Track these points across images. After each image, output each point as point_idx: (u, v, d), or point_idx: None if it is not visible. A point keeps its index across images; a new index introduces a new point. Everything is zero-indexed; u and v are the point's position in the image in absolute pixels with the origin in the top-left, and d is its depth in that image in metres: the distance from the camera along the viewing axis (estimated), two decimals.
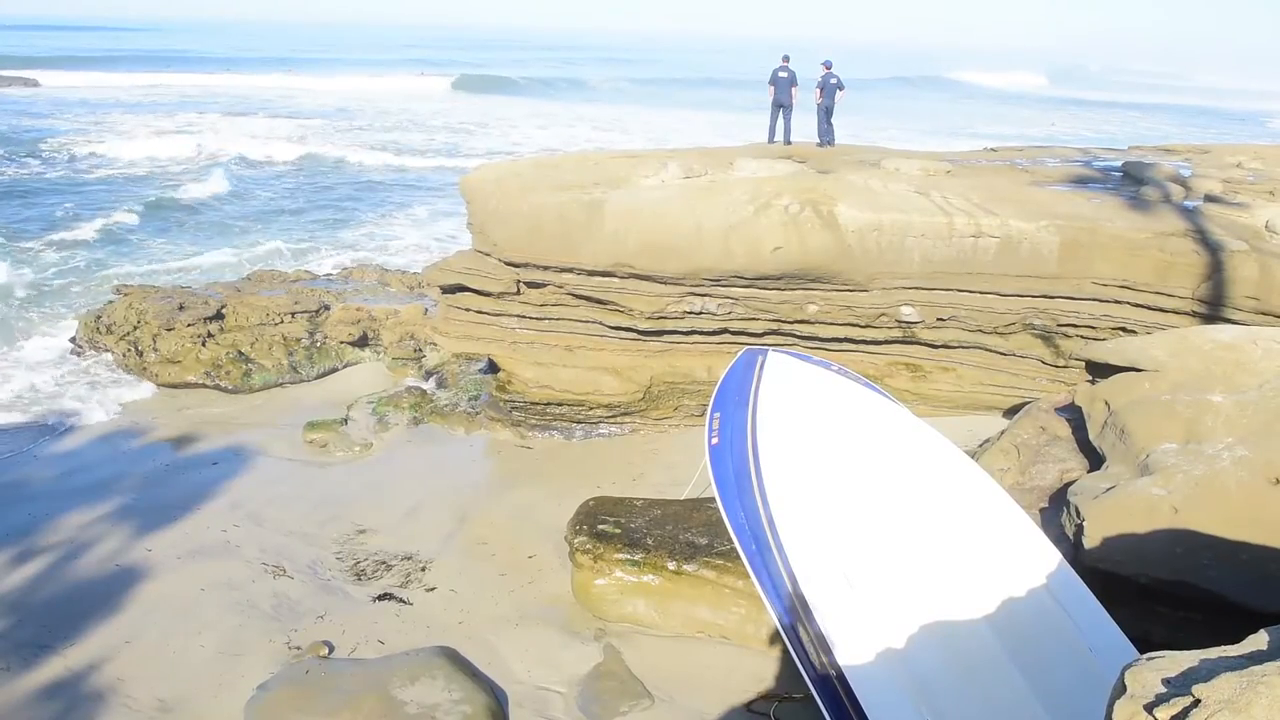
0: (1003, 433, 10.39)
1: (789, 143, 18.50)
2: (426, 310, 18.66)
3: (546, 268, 13.81)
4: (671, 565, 9.66)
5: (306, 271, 22.16)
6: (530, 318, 14.47)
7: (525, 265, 13.95)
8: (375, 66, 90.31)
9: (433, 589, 10.76)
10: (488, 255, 14.26)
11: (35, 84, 65.81)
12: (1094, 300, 12.75)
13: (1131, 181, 15.01)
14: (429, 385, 16.96)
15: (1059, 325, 13.05)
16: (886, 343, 13.82)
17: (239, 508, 12.67)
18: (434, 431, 15.21)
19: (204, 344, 17.39)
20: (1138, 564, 7.29)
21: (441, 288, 15.21)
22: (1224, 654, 3.50)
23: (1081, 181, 15.32)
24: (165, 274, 23.48)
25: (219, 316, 18.06)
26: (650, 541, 9.88)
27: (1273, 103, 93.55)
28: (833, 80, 18.57)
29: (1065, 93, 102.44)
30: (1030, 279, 12.86)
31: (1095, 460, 9.00)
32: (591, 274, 13.61)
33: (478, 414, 15.39)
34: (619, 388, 14.19)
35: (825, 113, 18.55)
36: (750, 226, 12.85)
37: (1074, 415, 9.86)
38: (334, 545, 11.83)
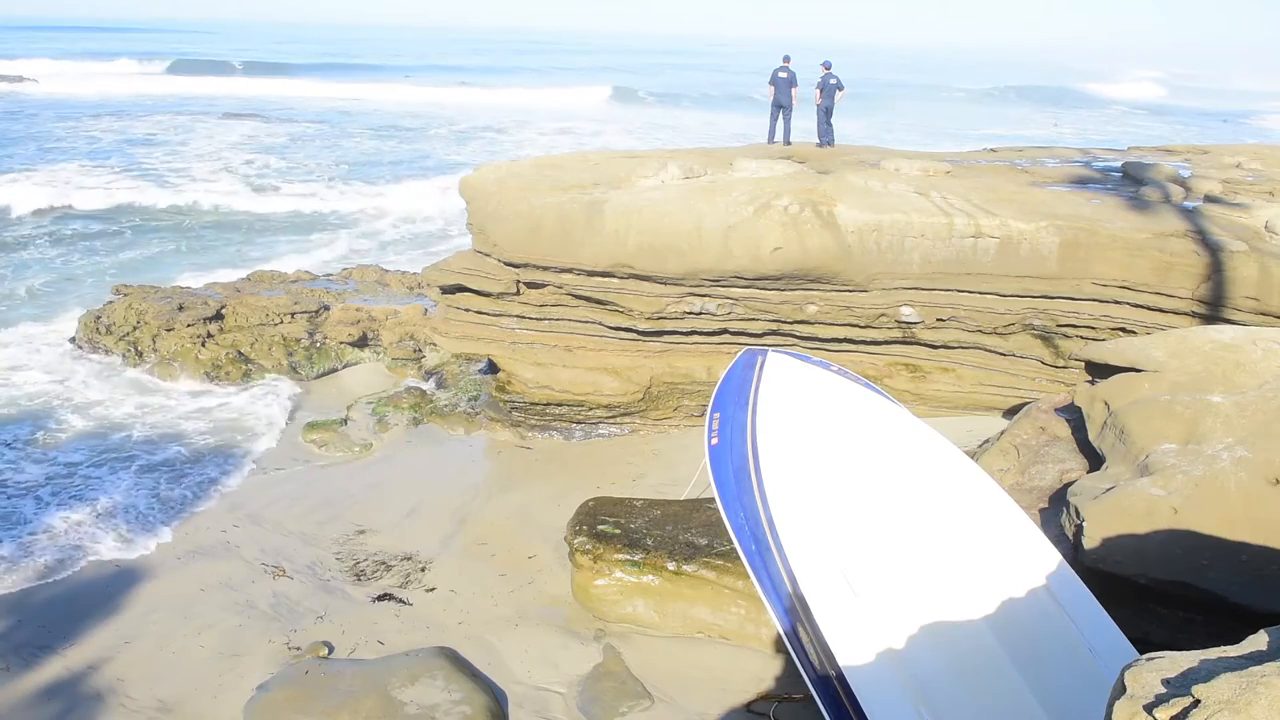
0: (1002, 433, 10.39)
1: (789, 143, 18.52)
2: (426, 310, 18.67)
3: (546, 268, 13.81)
4: (671, 565, 9.66)
5: (306, 272, 22.17)
6: (530, 318, 14.47)
7: (525, 265, 13.95)
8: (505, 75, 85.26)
9: (432, 589, 10.76)
10: (487, 255, 14.26)
11: (33, 81, 65.80)
12: (1094, 301, 12.76)
13: (1131, 182, 15.02)
14: (429, 385, 16.98)
15: (1059, 325, 13.06)
16: (886, 343, 13.82)
17: (239, 508, 12.69)
18: (434, 432, 15.22)
19: (204, 344, 17.41)
20: (1137, 564, 7.29)
21: (441, 288, 15.21)
22: (1224, 654, 3.50)
23: (1081, 182, 15.33)
24: None
25: (219, 317, 18.08)
26: (650, 542, 9.88)
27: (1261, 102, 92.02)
28: (832, 81, 18.58)
29: (1186, 102, 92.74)
30: (1030, 279, 12.86)
31: (1095, 460, 9.00)
32: (591, 274, 13.61)
33: (477, 414, 15.40)
34: (619, 388, 14.19)
35: (825, 113, 18.57)
36: (750, 227, 12.85)
37: (1074, 415, 9.86)
38: (334, 545, 11.83)
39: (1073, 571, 7.30)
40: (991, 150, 19.70)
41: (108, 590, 10.66)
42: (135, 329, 17.74)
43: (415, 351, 18.08)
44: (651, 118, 63.26)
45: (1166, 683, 3.32)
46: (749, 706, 8.56)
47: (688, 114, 65.97)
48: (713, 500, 8.70)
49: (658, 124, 59.51)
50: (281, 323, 18.23)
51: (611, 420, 14.59)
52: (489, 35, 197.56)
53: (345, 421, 15.36)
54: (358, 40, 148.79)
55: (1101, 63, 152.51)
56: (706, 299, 13.51)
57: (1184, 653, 3.57)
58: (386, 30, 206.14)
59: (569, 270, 13.70)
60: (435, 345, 16.67)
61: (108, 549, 11.53)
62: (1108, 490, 7.93)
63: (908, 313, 13.33)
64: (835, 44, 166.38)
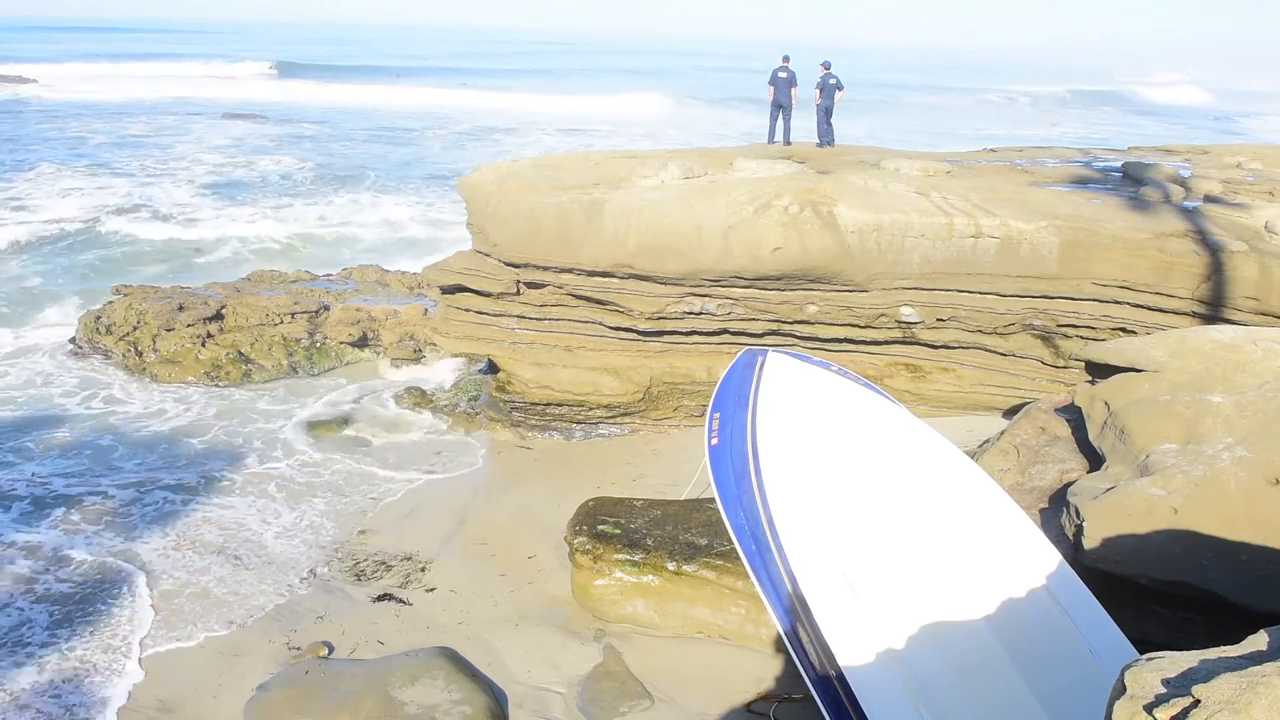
0: (1003, 433, 10.38)
1: (789, 143, 18.52)
2: (426, 310, 18.68)
3: (546, 268, 13.81)
4: (671, 565, 9.66)
5: (306, 272, 22.16)
6: (530, 318, 14.47)
7: (525, 266, 13.95)
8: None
9: (432, 589, 10.76)
10: (487, 256, 14.26)
11: (34, 82, 65.70)
12: (1094, 301, 12.76)
13: (1131, 182, 15.02)
14: (429, 385, 16.98)
15: (1059, 325, 13.06)
16: (886, 343, 13.82)
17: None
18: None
19: (204, 344, 17.41)
20: (1137, 564, 7.29)
21: (441, 288, 15.22)
22: (1224, 654, 3.50)
23: (1081, 182, 15.33)
24: None
25: (219, 317, 18.07)
26: (650, 542, 9.88)
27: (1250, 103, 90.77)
28: (831, 80, 18.58)
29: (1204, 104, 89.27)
30: (1030, 279, 12.87)
31: (1095, 460, 9.00)
32: (591, 274, 13.61)
33: (477, 414, 15.40)
34: (619, 388, 14.19)
35: (825, 113, 18.57)
36: (750, 227, 12.85)
37: (1074, 415, 9.86)
38: (334, 545, 11.83)
39: (1073, 571, 7.31)
40: (991, 150, 19.71)
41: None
42: (135, 329, 17.74)
43: (415, 351, 18.10)
44: (658, 117, 63.04)
45: (1166, 683, 3.31)
46: (749, 706, 8.56)
47: (694, 113, 65.83)
48: (713, 500, 8.70)
49: (665, 123, 59.29)
50: (281, 323, 18.23)
51: (611, 420, 14.59)
52: (487, 36, 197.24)
53: (346, 422, 15.38)
54: (359, 41, 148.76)
55: (1106, 63, 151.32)
56: (706, 299, 13.51)
57: (1184, 653, 3.56)
58: (388, 30, 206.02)
59: (569, 270, 13.70)
60: (435, 345, 16.67)
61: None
62: (1108, 490, 7.93)
63: (908, 313, 13.33)
64: (835, 44, 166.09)
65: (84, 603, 10.45)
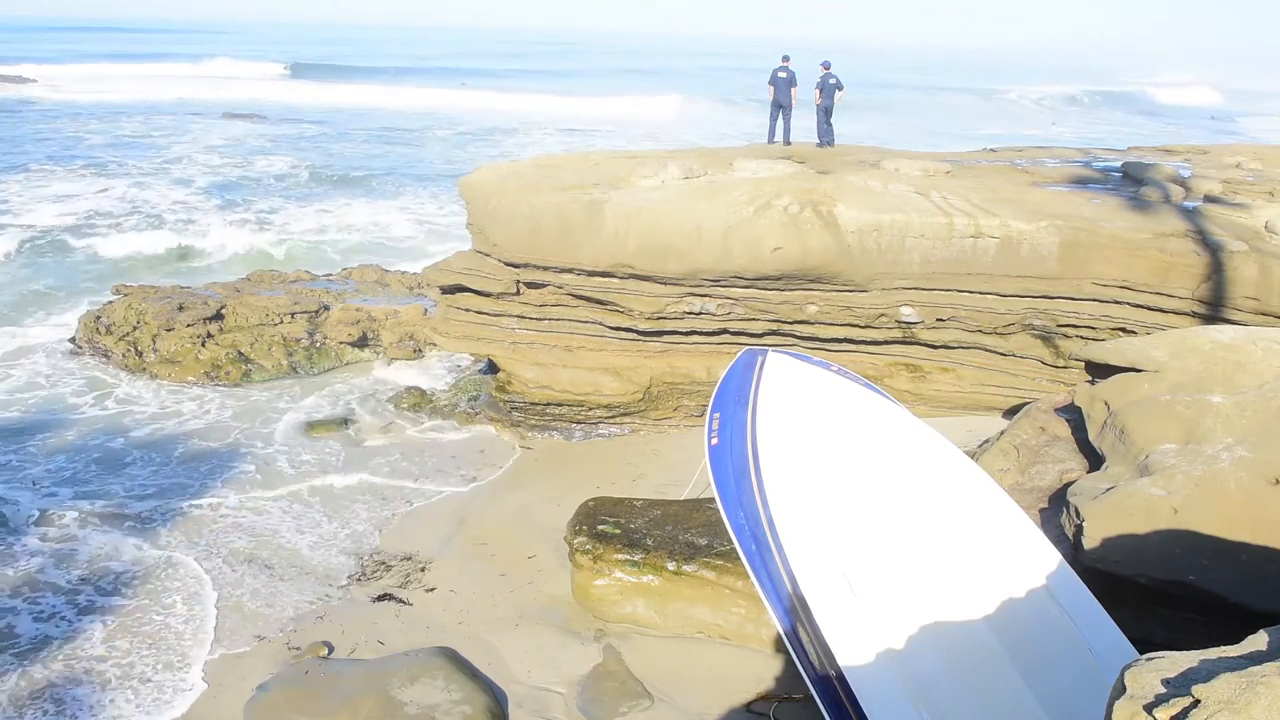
0: (1002, 433, 10.38)
1: (789, 143, 18.52)
2: (426, 310, 18.69)
3: (546, 268, 13.81)
4: (671, 566, 9.65)
5: (306, 272, 22.16)
6: (530, 318, 14.47)
7: (525, 266, 13.95)
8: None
9: (432, 589, 10.77)
10: (487, 256, 14.26)
11: (33, 82, 65.62)
12: (1094, 301, 12.76)
13: (1131, 182, 15.02)
14: (429, 385, 16.98)
15: (1059, 326, 13.06)
16: (886, 343, 13.82)
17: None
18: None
19: (204, 344, 17.41)
20: (1137, 564, 7.29)
21: (441, 288, 15.22)
22: (1224, 654, 3.50)
23: (1081, 182, 15.34)
24: None
25: (219, 317, 18.08)
26: (650, 542, 9.88)
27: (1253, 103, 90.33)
28: (831, 80, 18.59)
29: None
30: (1030, 279, 12.87)
31: (1095, 460, 9.00)
32: (591, 274, 13.61)
33: (477, 414, 15.41)
34: (619, 388, 14.19)
35: (824, 113, 18.58)
36: (750, 227, 12.85)
37: (1074, 415, 9.86)
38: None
39: (1073, 571, 7.30)
40: (991, 150, 19.71)
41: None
42: (135, 329, 17.74)
43: (415, 351, 18.11)
44: (659, 117, 62.96)
45: (1166, 683, 3.31)
46: (749, 706, 8.56)
47: (695, 113, 65.86)
48: (713, 500, 8.69)
49: (665, 123, 59.24)
50: (281, 323, 18.24)
51: (611, 420, 14.59)
52: (487, 36, 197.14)
53: (346, 422, 15.39)
54: (359, 41, 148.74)
55: (1108, 63, 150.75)
56: (706, 299, 13.51)
57: (1184, 653, 3.56)
58: (389, 30, 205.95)
59: (569, 270, 13.70)
60: (435, 345, 16.68)
61: None
62: (1108, 490, 7.93)
63: (908, 313, 13.33)
64: (835, 44, 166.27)
65: (136, 614, 10.30)
